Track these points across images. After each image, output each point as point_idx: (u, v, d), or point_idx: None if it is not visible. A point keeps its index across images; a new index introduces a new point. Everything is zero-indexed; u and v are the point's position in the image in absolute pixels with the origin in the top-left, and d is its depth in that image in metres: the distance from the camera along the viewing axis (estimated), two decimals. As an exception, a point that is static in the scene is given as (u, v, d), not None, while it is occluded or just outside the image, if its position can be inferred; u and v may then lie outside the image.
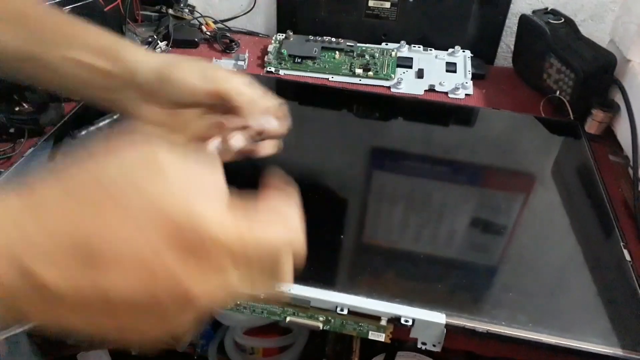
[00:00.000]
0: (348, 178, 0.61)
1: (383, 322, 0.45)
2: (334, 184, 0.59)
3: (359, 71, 0.79)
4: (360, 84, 0.79)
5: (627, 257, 0.52)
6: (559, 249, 0.54)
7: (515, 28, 0.81)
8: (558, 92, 0.73)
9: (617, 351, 0.43)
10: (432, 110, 0.75)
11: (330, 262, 0.50)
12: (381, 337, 0.47)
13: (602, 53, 0.70)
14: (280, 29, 0.88)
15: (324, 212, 0.55)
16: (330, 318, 0.46)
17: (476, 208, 0.58)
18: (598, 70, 0.69)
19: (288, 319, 0.47)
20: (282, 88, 0.78)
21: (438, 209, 0.58)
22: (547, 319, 0.45)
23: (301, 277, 0.45)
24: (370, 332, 0.46)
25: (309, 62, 0.81)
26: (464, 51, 0.83)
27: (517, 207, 0.58)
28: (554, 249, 0.54)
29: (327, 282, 0.47)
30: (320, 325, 0.46)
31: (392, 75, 0.79)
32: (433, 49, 0.83)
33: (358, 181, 0.61)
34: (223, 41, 0.85)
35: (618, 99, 0.69)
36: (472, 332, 0.44)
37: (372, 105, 0.74)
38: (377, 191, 0.60)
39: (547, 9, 0.77)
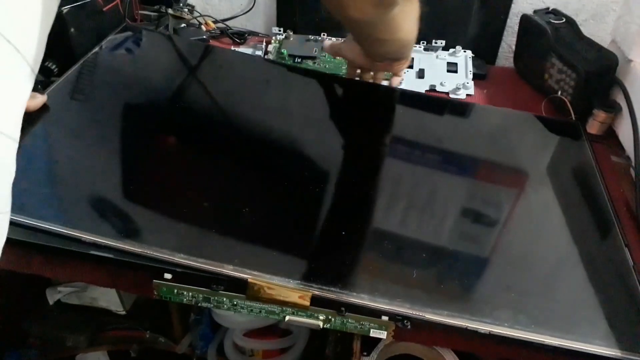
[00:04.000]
0: (349, 175, 0.60)
1: (385, 320, 0.45)
2: (335, 178, 0.59)
3: (359, 71, 0.79)
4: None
5: (629, 259, 0.51)
6: (561, 249, 0.53)
7: (516, 28, 0.80)
8: (559, 93, 0.73)
9: (617, 353, 0.43)
10: (431, 106, 0.74)
11: (332, 260, 0.49)
12: (383, 335, 0.46)
13: (603, 53, 0.70)
14: (280, 29, 0.88)
15: (323, 209, 0.55)
16: (330, 317, 0.46)
17: (477, 208, 0.58)
18: (599, 71, 0.68)
19: (287, 317, 0.46)
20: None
21: (439, 209, 0.57)
22: (549, 320, 0.45)
23: (301, 274, 0.45)
24: (372, 330, 0.46)
25: (309, 62, 0.80)
26: (465, 51, 0.83)
27: (518, 208, 0.58)
28: (556, 250, 0.53)
29: (328, 279, 0.46)
30: (321, 324, 0.46)
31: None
32: (433, 49, 0.83)
33: (360, 177, 0.60)
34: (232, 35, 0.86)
35: (620, 99, 0.69)
36: (474, 333, 0.44)
37: (370, 98, 0.73)
38: (378, 189, 0.59)
39: (548, 8, 0.76)
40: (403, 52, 0.65)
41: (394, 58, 0.67)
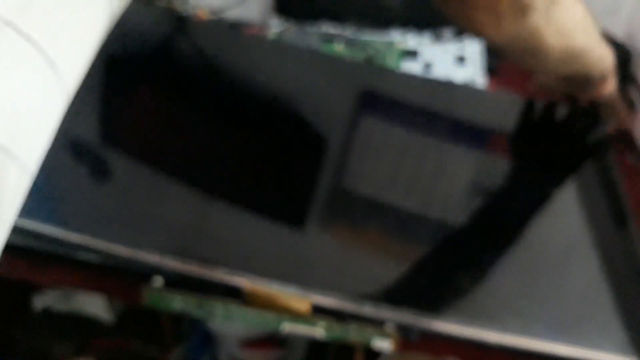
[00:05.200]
0: (353, 170, 0.58)
1: (389, 329, 0.43)
2: (335, 176, 0.57)
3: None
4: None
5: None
6: (575, 253, 0.52)
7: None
8: (572, 89, 0.70)
9: None
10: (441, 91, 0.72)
11: (334, 264, 0.48)
12: (387, 344, 0.43)
13: (617, 48, 0.67)
14: (278, 19, 0.85)
15: (325, 209, 0.53)
16: (331, 325, 0.43)
17: (485, 208, 0.56)
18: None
19: (286, 327, 0.44)
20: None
21: (444, 208, 0.56)
22: (565, 329, 0.44)
23: (301, 280, 0.43)
24: (375, 339, 0.43)
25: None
26: (476, 43, 0.79)
27: (530, 208, 0.56)
28: (569, 254, 0.52)
29: (330, 284, 0.44)
30: (321, 333, 0.44)
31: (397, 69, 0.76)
32: (442, 40, 0.80)
33: (364, 173, 0.58)
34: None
35: (635, 97, 0.67)
36: (485, 344, 0.42)
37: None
38: (387, 190, 0.57)
39: (560, 1, 0.74)
40: (577, 66, 0.55)
41: (576, 77, 0.57)
